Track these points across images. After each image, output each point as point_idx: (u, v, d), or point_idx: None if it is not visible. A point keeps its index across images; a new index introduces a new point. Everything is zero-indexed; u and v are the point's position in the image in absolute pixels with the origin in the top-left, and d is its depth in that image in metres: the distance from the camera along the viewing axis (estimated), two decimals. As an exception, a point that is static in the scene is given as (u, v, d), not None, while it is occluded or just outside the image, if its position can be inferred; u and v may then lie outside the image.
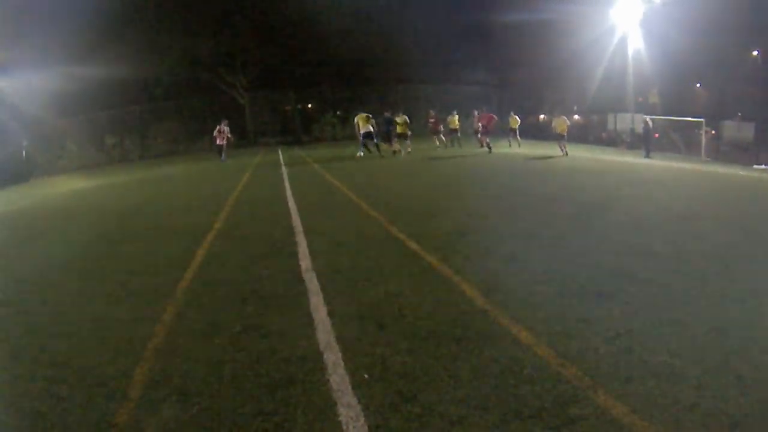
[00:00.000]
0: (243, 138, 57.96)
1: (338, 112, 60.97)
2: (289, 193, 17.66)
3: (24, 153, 41.50)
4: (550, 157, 27.01)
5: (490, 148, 31.42)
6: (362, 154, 31.00)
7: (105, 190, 26.25)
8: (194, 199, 18.88)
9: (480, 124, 34.13)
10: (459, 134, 38.42)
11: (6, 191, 30.96)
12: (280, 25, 53.94)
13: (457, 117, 37.72)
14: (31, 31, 38.26)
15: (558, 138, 30.96)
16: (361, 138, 31.55)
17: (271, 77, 57.40)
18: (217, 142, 34.14)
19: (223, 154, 34.90)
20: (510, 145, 37.10)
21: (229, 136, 35.18)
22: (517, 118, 38.80)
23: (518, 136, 38.38)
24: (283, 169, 26.61)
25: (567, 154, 29.45)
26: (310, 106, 65.10)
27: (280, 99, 61.27)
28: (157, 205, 18.12)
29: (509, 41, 51.27)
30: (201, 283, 8.20)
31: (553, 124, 33.33)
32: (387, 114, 32.87)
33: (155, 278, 8.77)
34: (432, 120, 37.65)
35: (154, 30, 50.61)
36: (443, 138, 36.92)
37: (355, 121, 31.94)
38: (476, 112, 36.78)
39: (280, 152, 39.59)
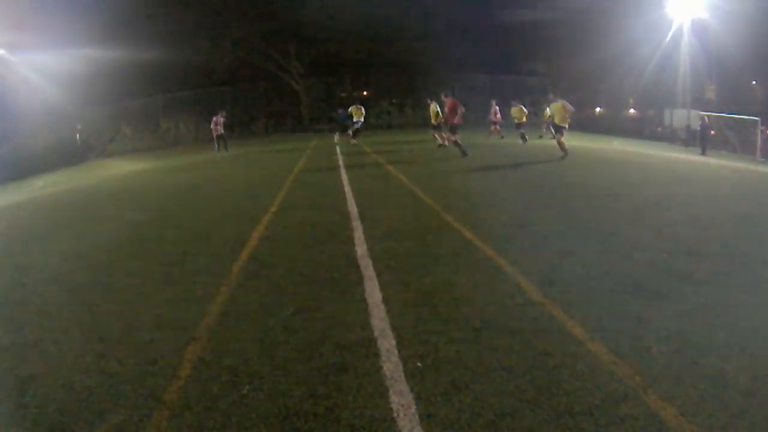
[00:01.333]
0: (299, 123, 58.04)
1: (394, 100, 60.62)
2: (344, 178, 17.70)
3: (78, 136, 42.07)
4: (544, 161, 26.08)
5: (443, 145, 28.18)
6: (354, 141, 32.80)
7: (159, 173, 26.54)
8: (250, 182, 19.04)
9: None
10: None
11: (60, 173, 31.47)
12: (332, 14, 53.70)
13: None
14: (86, 13, 38.53)
15: (517, 127, 30.40)
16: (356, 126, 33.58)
17: (327, 63, 57.26)
18: (215, 134, 33.52)
19: (217, 146, 33.50)
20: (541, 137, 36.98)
21: (222, 131, 33.84)
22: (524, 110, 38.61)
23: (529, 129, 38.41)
24: (339, 155, 26.64)
25: (526, 140, 29.44)
26: (365, 93, 64.83)
27: (336, 85, 61.10)
28: (212, 188, 18.31)
29: (566, 33, 50.70)
30: (256, 265, 8.33)
31: (512, 113, 32.27)
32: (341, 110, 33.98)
33: (210, 259, 8.93)
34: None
35: (207, 15, 50.76)
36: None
37: (350, 111, 33.75)
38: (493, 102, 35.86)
39: (335, 138, 39.62)
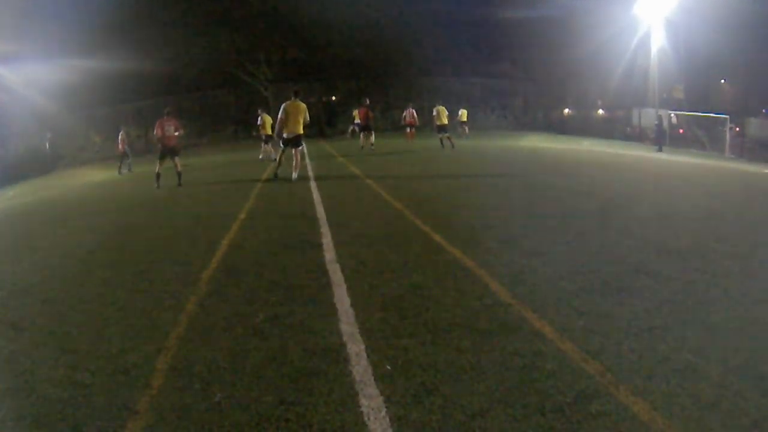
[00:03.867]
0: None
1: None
2: (313, 185, 17.64)
3: (47, 145, 41.86)
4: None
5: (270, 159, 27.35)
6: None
7: (129, 181, 26.37)
8: (218, 190, 18.89)
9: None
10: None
11: (30, 182, 31.26)
12: (300, 19, 53.64)
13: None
14: (53, 23, 38.48)
15: (439, 130, 29.49)
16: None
17: (296, 70, 57.23)
18: (120, 149, 31.84)
19: (123, 164, 31.95)
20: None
21: (126, 147, 32.21)
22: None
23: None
24: (308, 161, 26.55)
25: (453, 146, 28.17)
26: (334, 98, 64.74)
27: (305, 91, 60.88)
28: (181, 195, 18.17)
29: (534, 34, 51.01)
30: (225, 273, 8.25)
31: (434, 114, 30.88)
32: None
33: (179, 267, 8.82)
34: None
35: (176, 23, 50.65)
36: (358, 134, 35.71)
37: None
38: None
39: (303, 145, 39.52)
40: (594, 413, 4.05)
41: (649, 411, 4.05)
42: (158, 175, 20.34)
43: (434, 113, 31.39)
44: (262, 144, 30.87)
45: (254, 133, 30.47)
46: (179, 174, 20.58)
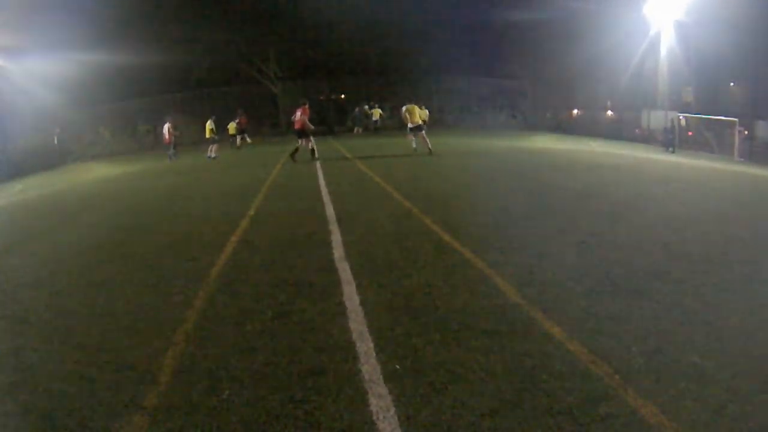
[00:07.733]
0: (276, 127, 57.81)
1: (371, 103, 60.35)
2: (322, 182, 17.57)
3: (56, 139, 41.85)
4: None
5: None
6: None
7: (137, 177, 26.31)
8: (227, 187, 18.87)
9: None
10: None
11: (38, 177, 31.29)
12: (310, 17, 53.47)
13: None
14: (62, 17, 38.35)
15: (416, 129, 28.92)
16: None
17: (305, 67, 57.06)
18: (167, 141, 34.29)
19: (170, 152, 34.31)
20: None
21: (176, 134, 34.87)
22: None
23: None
24: (316, 157, 26.55)
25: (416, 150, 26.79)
26: (343, 96, 64.49)
27: (314, 89, 60.60)
28: (189, 192, 18.15)
29: (544, 35, 50.76)
30: (234, 269, 8.27)
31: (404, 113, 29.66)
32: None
33: (188, 264, 8.84)
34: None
35: (185, 19, 50.53)
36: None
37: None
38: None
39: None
40: (602, 415, 4.05)
41: (657, 414, 4.04)
42: (295, 151, 25.75)
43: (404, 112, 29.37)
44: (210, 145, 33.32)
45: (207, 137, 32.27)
46: (312, 151, 25.33)
